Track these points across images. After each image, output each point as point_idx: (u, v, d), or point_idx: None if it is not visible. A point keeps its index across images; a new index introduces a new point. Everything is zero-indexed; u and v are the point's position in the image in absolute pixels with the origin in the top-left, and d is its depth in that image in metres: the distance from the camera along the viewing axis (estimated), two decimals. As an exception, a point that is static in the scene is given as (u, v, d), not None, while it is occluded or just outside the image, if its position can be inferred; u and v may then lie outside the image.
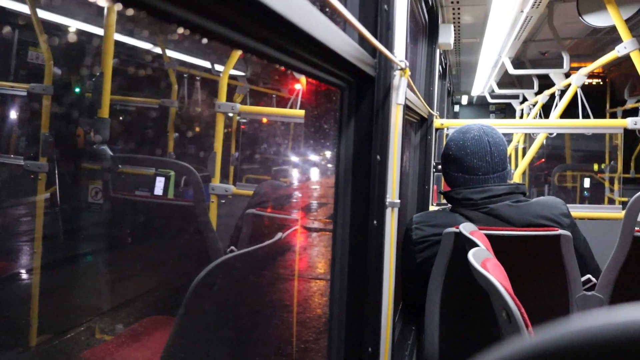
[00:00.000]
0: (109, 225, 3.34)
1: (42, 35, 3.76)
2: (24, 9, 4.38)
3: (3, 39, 5.50)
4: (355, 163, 1.14)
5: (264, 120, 8.11)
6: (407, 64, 1.23)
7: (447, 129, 3.37)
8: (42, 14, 4.46)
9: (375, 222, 1.15)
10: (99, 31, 5.27)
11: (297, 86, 4.61)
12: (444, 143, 2.26)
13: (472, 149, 2.04)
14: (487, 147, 2.04)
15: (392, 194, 1.25)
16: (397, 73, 1.23)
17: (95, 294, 3.97)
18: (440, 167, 2.28)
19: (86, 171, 5.12)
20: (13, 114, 5.89)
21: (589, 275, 1.94)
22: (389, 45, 1.19)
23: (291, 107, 4.57)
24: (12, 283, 3.59)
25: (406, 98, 1.41)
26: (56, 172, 4.31)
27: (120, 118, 6.77)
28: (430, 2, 3.14)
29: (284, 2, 0.57)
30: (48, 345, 3.69)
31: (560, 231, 1.82)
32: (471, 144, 2.05)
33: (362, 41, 1.09)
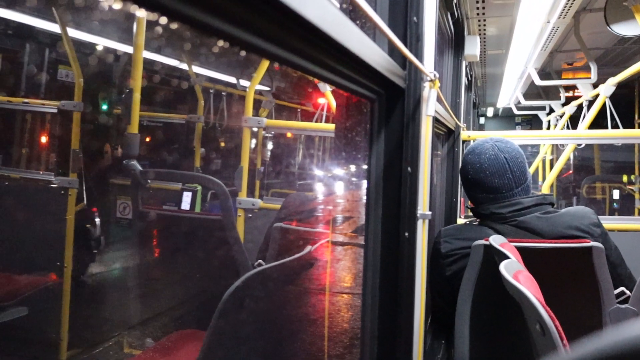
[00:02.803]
0: (137, 240, 3.37)
1: (73, 53, 3.83)
2: (55, 27, 4.47)
3: (35, 57, 5.61)
4: (386, 175, 1.13)
5: (289, 134, 8.16)
6: (437, 75, 1.23)
7: (474, 141, 3.35)
8: (73, 32, 4.55)
9: (406, 234, 1.14)
10: (127, 49, 5.36)
11: (322, 100, 4.63)
12: None
13: (490, 170, 2.02)
14: (505, 164, 2.02)
15: (423, 206, 1.25)
16: (426, 84, 1.22)
17: (123, 308, 4.00)
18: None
19: (115, 186, 5.19)
20: (44, 131, 5.99)
21: (622, 288, 1.90)
22: (419, 56, 1.19)
23: (317, 121, 4.58)
24: (43, 297, 3.64)
25: (435, 110, 1.41)
26: (84, 187, 4.37)
27: (148, 133, 6.86)
28: (456, 14, 3.13)
29: (319, 13, 0.57)
30: (78, 359, 3.72)
31: (592, 243, 1.79)
32: (488, 165, 2.03)
33: (392, 53, 1.09)
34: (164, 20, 0.47)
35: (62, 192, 3.69)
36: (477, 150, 2.08)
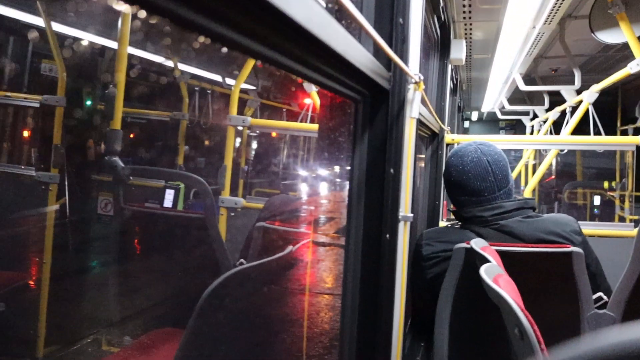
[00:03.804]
0: (118, 237, 3.34)
1: (56, 47, 3.79)
2: (39, 21, 4.42)
3: (18, 50, 5.55)
4: (369, 176, 1.13)
5: (274, 134, 8.14)
6: (422, 77, 1.23)
7: (458, 144, 3.37)
8: (57, 26, 4.50)
9: (388, 235, 1.14)
10: (112, 44, 5.32)
11: (308, 100, 4.62)
12: None
13: (473, 173, 2.03)
14: (487, 167, 2.03)
15: (405, 208, 1.25)
16: (411, 87, 1.22)
17: (103, 306, 3.97)
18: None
19: (96, 182, 5.15)
20: (25, 125, 5.93)
21: (600, 294, 1.92)
22: (404, 58, 1.19)
23: (302, 121, 4.57)
24: (21, 293, 3.60)
25: (419, 112, 1.41)
26: (66, 183, 4.33)
27: (131, 130, 6.81)
28: (442, 17, 3.14)
29: (305, 13, 0.57)
30: (55, 356, 3.68)
31: (572, 248, 1.80)
32: (471, 167, 2.03)
33: (377, 54, 1.09)
34: (150, 16, 0.46)
35: (43, 187, 3.65)
36: (460, 153, 2.09)
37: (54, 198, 3.69)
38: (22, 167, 5.03)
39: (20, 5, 4.48)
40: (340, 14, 0.77)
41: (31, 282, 3.68)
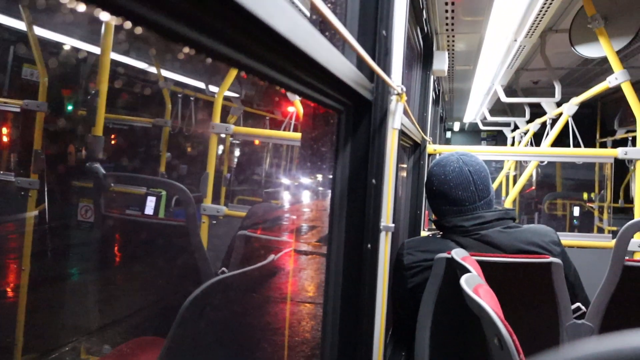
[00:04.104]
0: (98, 244, 3.31)
1: (39, 52, 3.77)
2: (21, 25, 4.39)
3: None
4: (351, 186, 1.14)
5: (257, 142, 8.13)
6: (404, 89, 1.24)
7: (440, 154, 3.39)
8: (39, 31, 4.47)
9: (369, 245, 1.15)
10: (95, 49, 5.29)
11: (291, 109, 4.63)
12: None
13: (455, 182, 2.04)
14: (469, 177, 2.05)
15: (387, 218, 1.25)
16: (393, 98, 1.24)
17: (82, 314, 3.93)
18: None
19: (77, 189, 5.10)
20: (5, 130, 5.87)
21: (578, 304, 1.94)
22: (387, 69, 1.20)
23: (285, 130, 4.58)
24: (-2, 300, 3.55)
25: (401, 123, 1.42)
26: (46, 189, 4.29)
27: (113, 136, 6.77)
28: (425, 29, 3.17)
29: (288, 25, 0.57)
30: (32, 365, 3.64)
31: (552, 259, 1.82)
32: (453, 177, 2.05)
33: (361, 65, 1.10)
34: (134, 26, 0.47)
35: (23, 192, 3.61)
36: (442, 163, 2.11)
37: (34, 204, 3.65)
38: (1, 172, 4.98)
39: (1, 9, 4.45)
40: (324, 25, 0.78)
41: (9, 289, 3.64)
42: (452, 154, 2.15)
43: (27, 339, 3.52)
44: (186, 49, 0.52)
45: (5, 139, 5.84)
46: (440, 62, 3.50)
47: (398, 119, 1.25)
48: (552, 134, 4.15)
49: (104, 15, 0.41)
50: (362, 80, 1.07)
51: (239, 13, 0.50)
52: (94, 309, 3.47)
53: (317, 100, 0.93)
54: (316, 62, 0.71)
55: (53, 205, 4.71)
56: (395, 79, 1.26)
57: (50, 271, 4.84)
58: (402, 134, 2.17)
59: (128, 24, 0.46)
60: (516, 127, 7.99)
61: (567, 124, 4.30)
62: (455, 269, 1.59)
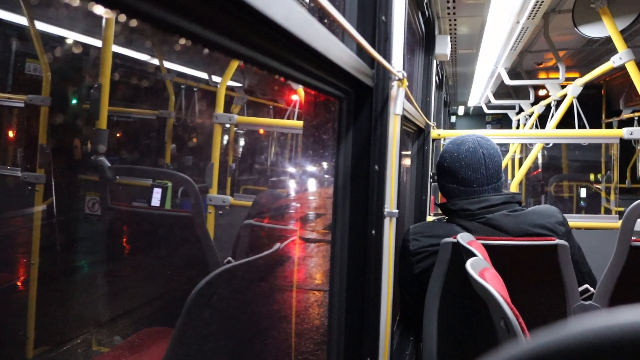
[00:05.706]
0: (105, 237, 3.33)
1: (41, 46, 3.76)
2: (23, 20, 4.39)
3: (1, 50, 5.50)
4: (354, 173, 1.14)
5: (261, 131, 8.13)
6: (405, 74, 1.24)
7: (444, 139, 3.38)
8: (41, 25, 4.46)
9: (373, 231, 1.15)
10: (97, 43, 5.28)
11: (295, 97, 4.62)
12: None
13: (466, 162, 2.04)
14: (481, 159, 2.04)
15: (391, 204, 1.26)
16: (395, 83, 1.23)
17: (92, 306, 3.95)
18: (436, 177, 2.29)
19: (83, 182, 5.12)
20: (10, 125, 5.89)
21: (586, 285, 1.94)
22: (387, 55, 1.19)
23: (288, 118, 4.58)
24: (9, 295, 3.58)
25: (404, 108, 1.42)
26: (53, 183, 4.31)
27: (117, 129, 6.77)
28: (427, 14, 3.15)
29: (284, 13, 0.57)
30: (45, 357, 3.67)
31: (558, 241, 1.82)
32: (465, 156, 2.05)
33: (361, 52, 1.10)
34: (131, 19, 0.47)
35: (30, 187, 3.63)
36: (457, 141, 2.11)
37: (41, 198, 3.67)
38: (8, 167, 5.00)
39: (3, 4, 4.45)
40: (322, 13, 0.78)
41: (19, 284, 3.66)
42: (470, 134, 2.15)
43: (39, 332, 3.55)
44: (186, 40, 0.52)
45: (10, 134, 5.86)
46: (443, 47, 3.49)
47: (400, 104, 1.25)
48: (557, 115, 4.13)
49: (101, 9, 0.41)
50: (362, 67, 1.06)
51: (235, 3, 0.50)
52: (103, 301, 3.49)
53: (317, 88, 0.93)
54: (315, 49, 0.71)
55: (60, 198, 4.73)
56: (396, 64, 1.25)
57: (59, 265, 4.87)
58: (405, 119, 2.17)
59: (126, 17, 0.46)
60: (521, 110, 7.96)
61: (572, 106, 4.28)
62: (462, 254, 1.60)
